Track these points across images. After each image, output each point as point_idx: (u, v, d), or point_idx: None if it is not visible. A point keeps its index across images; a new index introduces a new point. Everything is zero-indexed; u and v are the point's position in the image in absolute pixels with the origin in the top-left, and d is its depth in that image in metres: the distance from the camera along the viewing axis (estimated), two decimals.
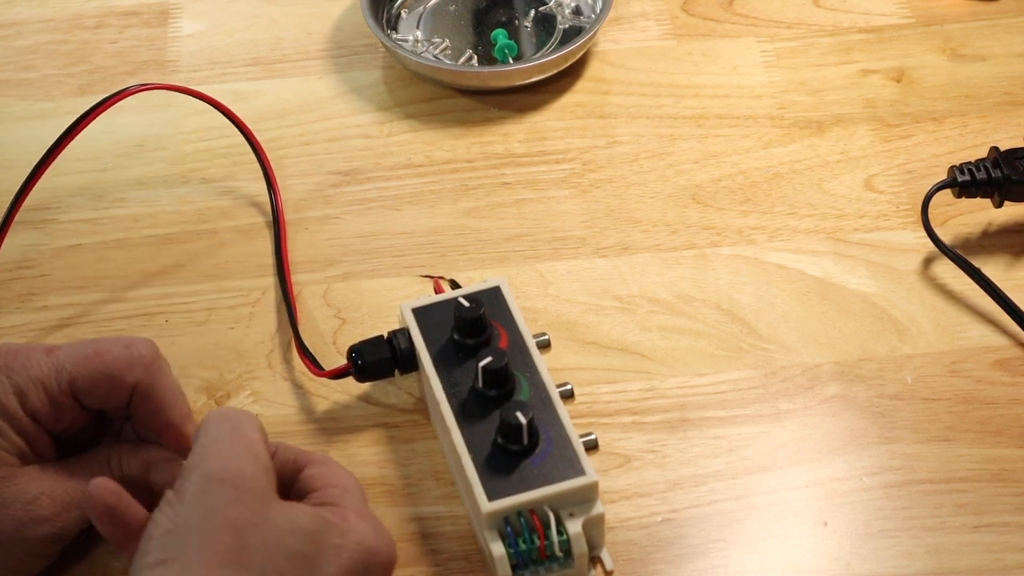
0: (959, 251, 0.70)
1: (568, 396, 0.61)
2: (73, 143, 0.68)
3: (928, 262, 0.71)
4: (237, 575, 0.48)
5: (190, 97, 0.72)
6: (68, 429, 0.58)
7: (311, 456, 0.56)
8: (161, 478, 0.57)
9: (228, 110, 0.72)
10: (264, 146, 0.75)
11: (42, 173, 0.68)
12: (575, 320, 0.69)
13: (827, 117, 0.78)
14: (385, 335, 0.63)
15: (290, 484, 0.55)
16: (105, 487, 0.52)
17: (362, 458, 0.64)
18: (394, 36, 0.82)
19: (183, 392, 0.60)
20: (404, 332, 0.63)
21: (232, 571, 0.47)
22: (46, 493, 0.55)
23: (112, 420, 0.60)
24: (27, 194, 0.68)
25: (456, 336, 0.62)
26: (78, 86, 0.82)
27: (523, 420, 0.57)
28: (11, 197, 0.75)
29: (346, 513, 0.52)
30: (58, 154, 0.67)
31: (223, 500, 0.49)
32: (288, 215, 0.74)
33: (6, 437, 0.55)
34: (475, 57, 0.81)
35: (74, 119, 0.68)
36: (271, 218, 0.74)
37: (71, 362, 0.57)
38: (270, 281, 0.71)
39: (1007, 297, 0.68)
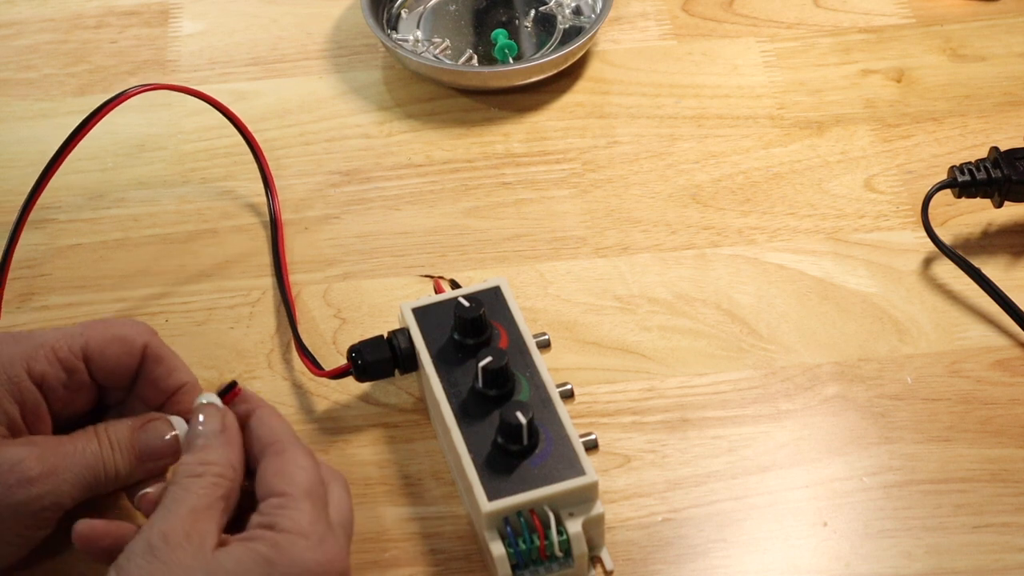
0: (959, 251, 0.70)
1: (568, 396, 0.61)
2: None
3: (928, 262, 0.71)
4: None
5: (190, 97, 0.72)
6: (71, 405, 0.58)
7: (273, 441, 0.55)
8: (146, 440, 0.58)
9: (228, 110, 0.72)
10: (264, 146, 0.75)
11: (50, 178, 0.67)
12: (575, 320, 0.69)
13: (827, 117, 0.78)
14: (385, 335, 0.63)
15: (254, 468, 0.55)
16: (83, 528, 0.53)
17: (362, 458, 0.64)
18: (394, 36, 0.82)
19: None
20: (404, 332, 0.63)
21: None
22: (33, 456, 0.55)
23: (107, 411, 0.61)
24: (35, 201, 0.67)
25: (456, 336, 0.62)
26: (78, 86, 0.82)
27: (523, 420, 0.57)
28: (12, 197, 0.75)
29: (278, 539, 0.51)
30: (63, 160, 0.67)
31: (148, 573, 0.50)
32: (288, 215, 0.74)
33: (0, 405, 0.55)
34: (475, 57, 0.81)
35: (74, 118, 0.67)
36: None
37: (80, 328, 0.58)
38: (270, 281, 0.71)
39: (1007, 297, 0.68)
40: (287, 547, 0.51)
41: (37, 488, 0.54)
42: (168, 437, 0.58)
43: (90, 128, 0.67)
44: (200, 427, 0.55)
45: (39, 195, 0.67)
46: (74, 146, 0.67)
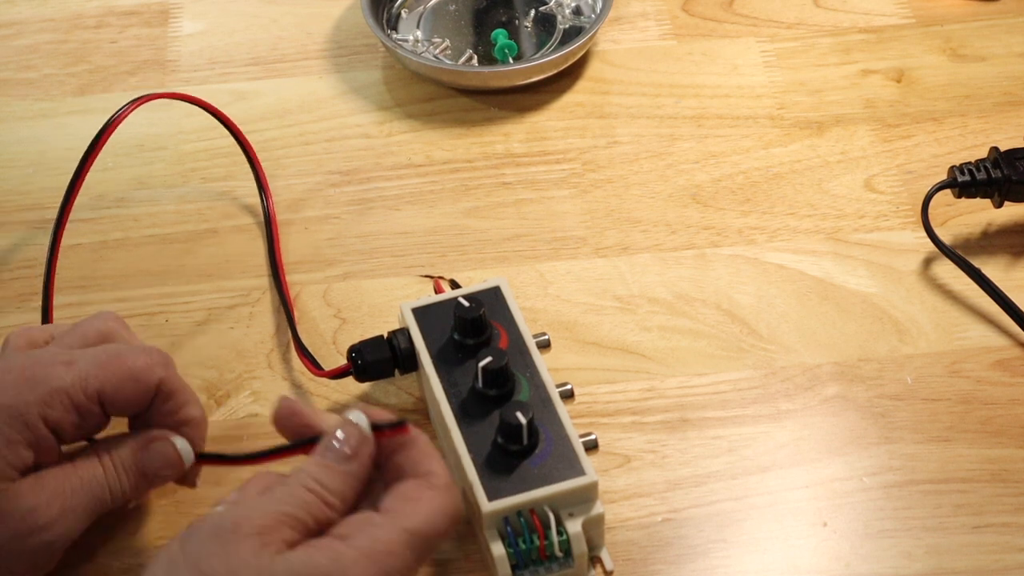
0: (959, 251, 0.70)
1: (568, 396, 0.61)
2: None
3: (928, 262, 0.71)
4: None
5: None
6: (82, 436, 0.58)
7: (434, 473, 0.53)
8: (150, 463, 0.57)
9: (222, 114, 0.72)
10: (264, 146, 0.75)
11: (74, 198, 0.66)
12: (575, 320, 0.69)
13: (827, 117, 0.78)
14: (385, 335, 0.63)
15: (391, 481, 0.54)
16: (283, 411, 0.55)
17: None
18: (394, 36, 0.82)
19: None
20: (404, 332, 0.63)
21: None
22: (43, 503, 0.55)
23: None
24: (67, 217, 0.67)
25: (456, 336, 0.62)
26: (78, 86, 0.82)
27: (523, 420, 0.57)
28: (12, 196, 0.75)
29: (345, 554, 0.50)
30: (84, 177, 0.66)
31: (205, 552, 0.49)
32: (288, 215, 0.74)
33: (15, 452, 0.54)
34: (475, 57, 0.81)
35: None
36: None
37: (94, 369, 0.56)
38: (270, 281, 0.71)
39: (1007, 297, 0.68)
40: (349, 566, 0.49)
41: (50, 533, 0.55)
42: (173, 458, 0.58)
43: (107, 138, 0.67)
44: (335, 442, 0.53)
45: (70, 208, 0.67)
46: (94, 157, 0.66)
